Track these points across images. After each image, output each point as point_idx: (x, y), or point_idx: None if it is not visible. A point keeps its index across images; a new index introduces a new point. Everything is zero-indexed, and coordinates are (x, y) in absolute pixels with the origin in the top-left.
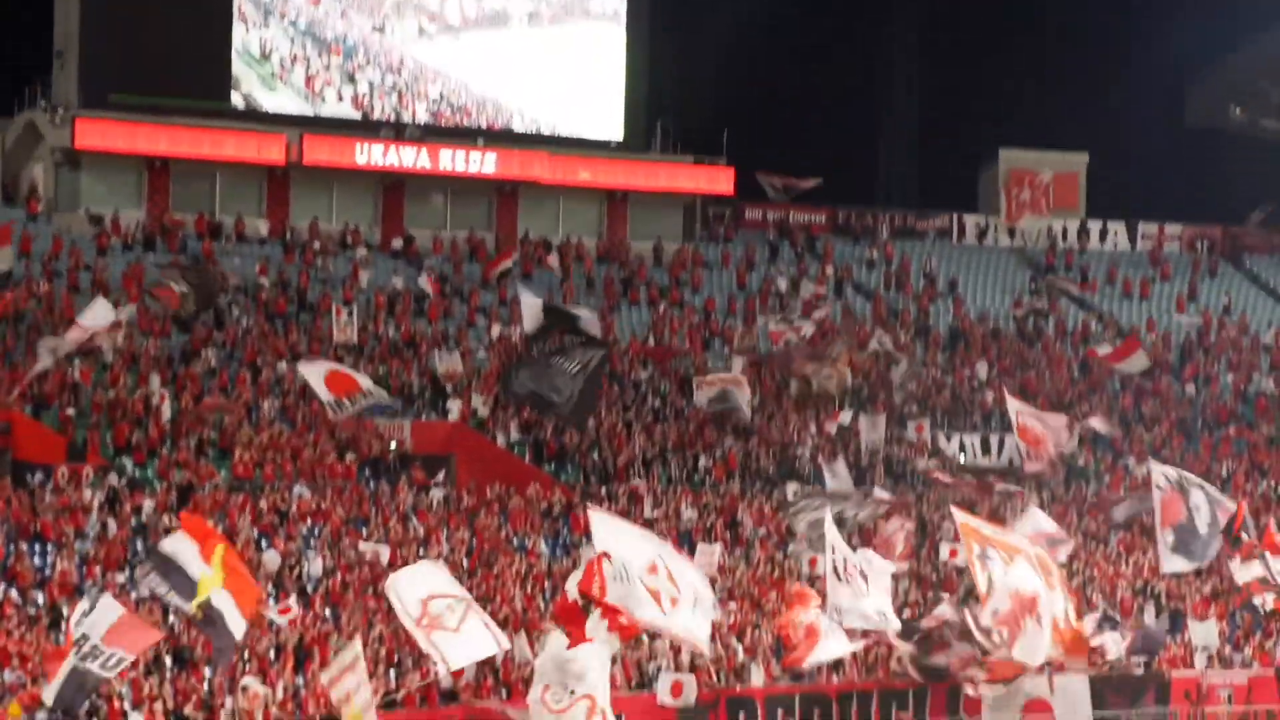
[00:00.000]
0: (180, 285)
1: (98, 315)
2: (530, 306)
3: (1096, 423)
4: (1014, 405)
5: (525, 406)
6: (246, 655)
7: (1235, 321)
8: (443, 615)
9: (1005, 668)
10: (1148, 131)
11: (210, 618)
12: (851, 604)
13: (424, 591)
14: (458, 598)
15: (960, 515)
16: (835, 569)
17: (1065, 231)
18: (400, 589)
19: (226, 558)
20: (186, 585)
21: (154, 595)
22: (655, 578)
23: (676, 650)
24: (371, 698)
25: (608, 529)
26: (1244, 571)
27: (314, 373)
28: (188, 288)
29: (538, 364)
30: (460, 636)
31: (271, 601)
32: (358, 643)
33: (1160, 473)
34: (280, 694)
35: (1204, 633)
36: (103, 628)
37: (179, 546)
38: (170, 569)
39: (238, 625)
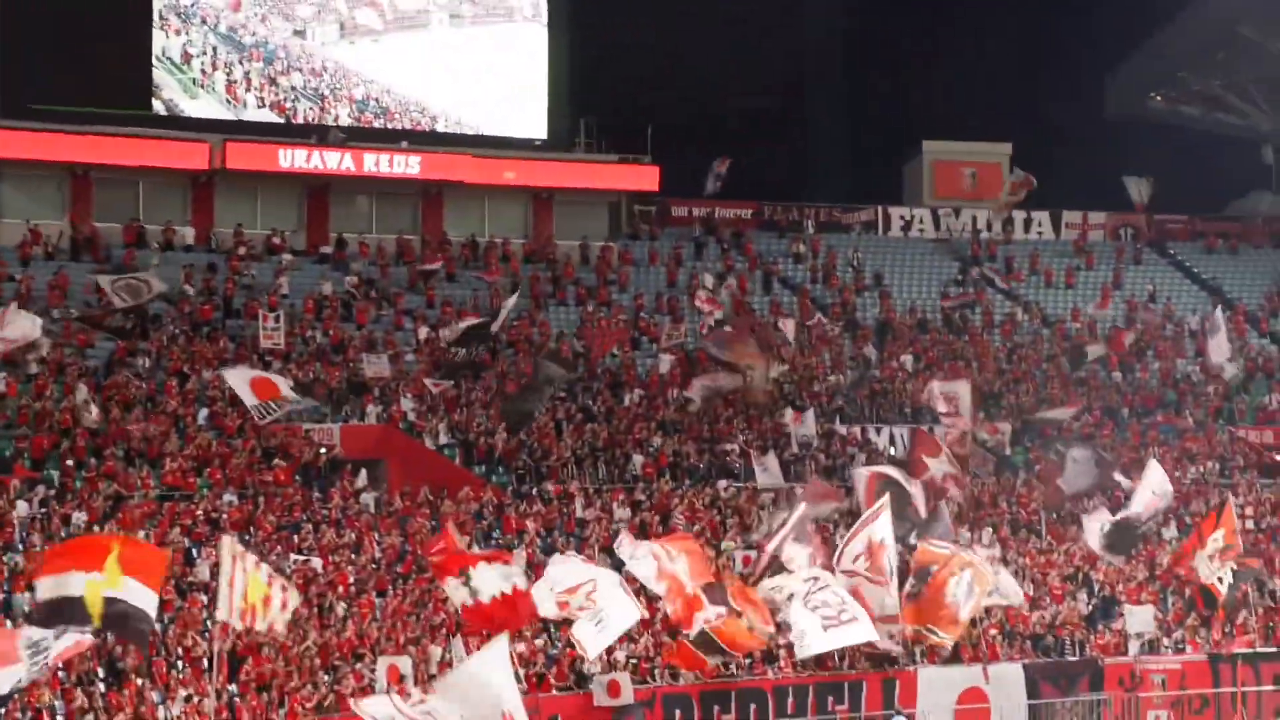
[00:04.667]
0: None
1: (22, 327)
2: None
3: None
4: (937, 387)
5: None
6: (181, 665)
7: (1160, 308)
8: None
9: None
10: (1069, 121)
11: (113, 615)
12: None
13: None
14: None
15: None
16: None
17: (989, 222)
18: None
19: (123, 552)
20: (76, 610)
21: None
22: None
23: (611, 649)
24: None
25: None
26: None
27: (238, 378)
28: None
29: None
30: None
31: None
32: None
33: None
34: (214, 702)
35: (1138, 619)
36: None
37: (52, 584)
38: (53, 610)
39: (148, 599)
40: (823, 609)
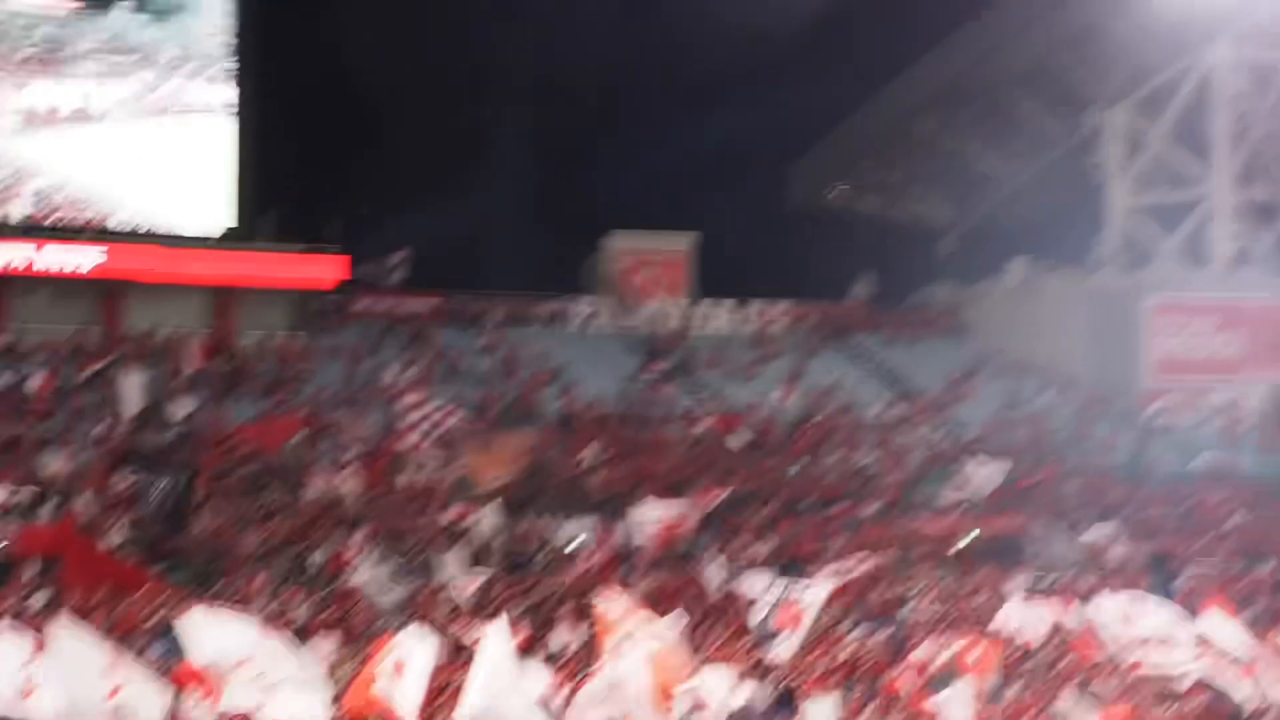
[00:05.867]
0: None
1: None
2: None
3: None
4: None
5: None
6: None
7: (841, 399)
8: None
9: None
10: (754, 211)
11: None
12: None
13: None
14: None
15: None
16: None
17: (672, 314)
18: None
19: None
20: None
21: None
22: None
23: None
24: None
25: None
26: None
27: None
28: None
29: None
30: None
31: None
32: None
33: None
34: None
35: (819, 712)
36: None
37: None
38: None
39: None
40: None
